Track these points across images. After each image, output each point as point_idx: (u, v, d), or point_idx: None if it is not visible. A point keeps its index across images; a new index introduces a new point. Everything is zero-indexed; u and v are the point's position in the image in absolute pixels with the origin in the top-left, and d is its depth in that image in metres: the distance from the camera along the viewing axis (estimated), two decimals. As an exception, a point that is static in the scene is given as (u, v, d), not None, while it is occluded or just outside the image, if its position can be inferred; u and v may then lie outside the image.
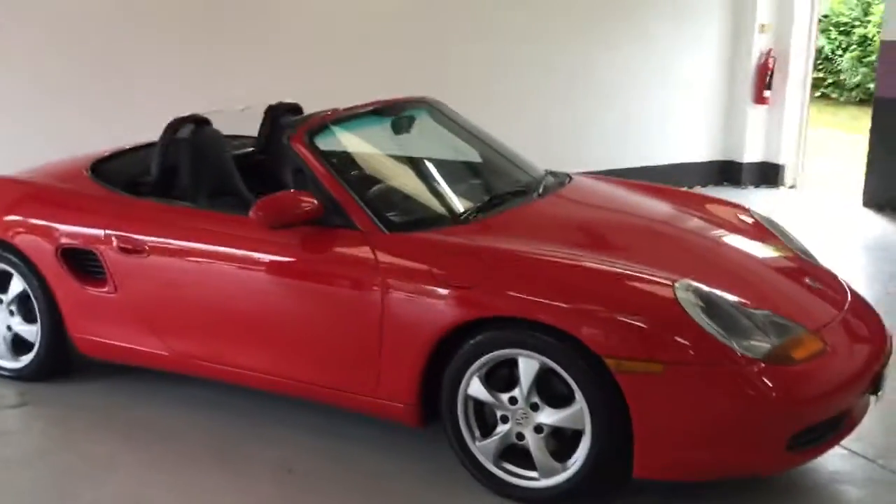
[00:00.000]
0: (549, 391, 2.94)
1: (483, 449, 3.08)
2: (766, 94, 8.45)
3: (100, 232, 3.65)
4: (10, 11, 5.71)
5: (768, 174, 8.73)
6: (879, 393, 3.06)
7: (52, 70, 5.84)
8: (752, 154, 8.69)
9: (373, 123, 3.90)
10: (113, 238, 3.61)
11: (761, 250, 3.56)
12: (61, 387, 3.97)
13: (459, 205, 3.53)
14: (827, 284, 3.38)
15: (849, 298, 3.30)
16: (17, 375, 4.02)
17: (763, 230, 3.78)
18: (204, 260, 3.46)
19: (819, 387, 2.84)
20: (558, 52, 7.78)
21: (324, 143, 3.44)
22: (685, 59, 8.36)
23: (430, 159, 3.92)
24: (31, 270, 3.83)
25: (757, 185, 8.74)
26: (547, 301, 2.87)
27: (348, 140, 3.70)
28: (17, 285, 3.92)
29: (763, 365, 2.76)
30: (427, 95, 4.41)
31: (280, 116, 4.31)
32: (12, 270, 3.90)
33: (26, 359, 3.99)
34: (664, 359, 2.76)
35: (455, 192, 3.65)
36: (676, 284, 2.88)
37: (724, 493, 3.06)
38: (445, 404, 3.10)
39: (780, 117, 8.55)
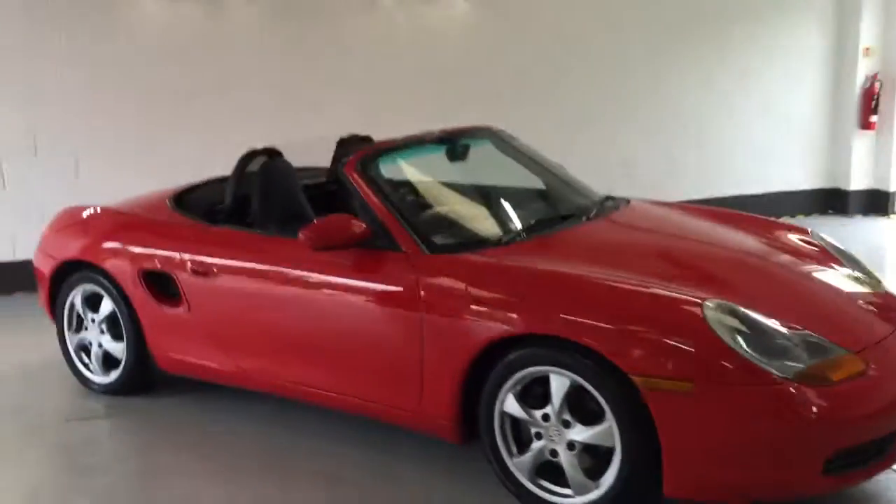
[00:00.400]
0: (582, 409, 2.97)
1: (519, 465, 3.13)
2: (873, 119, 8.13)
3: (175, 255, 3.94)
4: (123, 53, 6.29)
5: (877, 202, 8.35)
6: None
7: (160, 106, 6.41)
8: (859, 181, 8.35)
9: (428, 152, 4.05)
10: (186, 261, 3.89)
11: (816, 272, 3.48)
12: (143, 401, 4.27)
13: (504, 228, 3.63)
14: (883, 307, 3.26)
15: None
16: (106, 390, 4.36)
17: (823, 253, 3.69)
18: (262, 280, 3.69)
19: (857, 409, 2.76)
20: (653, 81, 7.80)
21: (375, 170, 3.62)
22: (785, 85, 8.17)
23: (482, 185, 4.05)
24: (118, 292, 4.17)
25: (865, 214, 8.37)
26: (575, 319, 2.91)
27: (400, 168, 3.88)
28: (107, 306, 4.26)
29: (795, 384, 2.71)
30: (491, 125, 4.56)
31: (350, 147, 4.53)
32: (103, 292, 4.25)
33: (114, 374, 4.32)
34: (692, 377, 2.75)
35: (502, 216, 3.76)
36: (706, 303, 2.87)
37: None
38: (483, 421, 3.18)
39: (890, 143, 8.20)
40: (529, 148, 4.51)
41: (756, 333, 2.82)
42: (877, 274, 3.70)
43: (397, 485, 3.39)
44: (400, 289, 3.30)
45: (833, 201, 8.51)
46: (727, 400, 2.73)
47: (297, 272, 3.56)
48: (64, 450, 3.86)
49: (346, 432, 3.76)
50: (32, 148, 6.29)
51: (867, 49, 8.06)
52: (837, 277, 3.45)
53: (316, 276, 3.50)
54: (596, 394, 2.89)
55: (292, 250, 3.54)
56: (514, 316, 3.03)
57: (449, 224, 3.66)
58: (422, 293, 3.23)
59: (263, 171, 4.13)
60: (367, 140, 4.63)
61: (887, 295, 3.43)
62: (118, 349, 4.28)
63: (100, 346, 4.35)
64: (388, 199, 3.50)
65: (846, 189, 8.38)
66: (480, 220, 3.73)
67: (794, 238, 3.82)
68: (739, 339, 2.77)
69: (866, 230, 7.82)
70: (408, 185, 3.89)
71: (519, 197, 4.09)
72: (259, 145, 4.36)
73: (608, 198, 4.16)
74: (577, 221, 3.74)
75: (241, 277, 3.76)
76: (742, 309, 2.89)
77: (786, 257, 3.56)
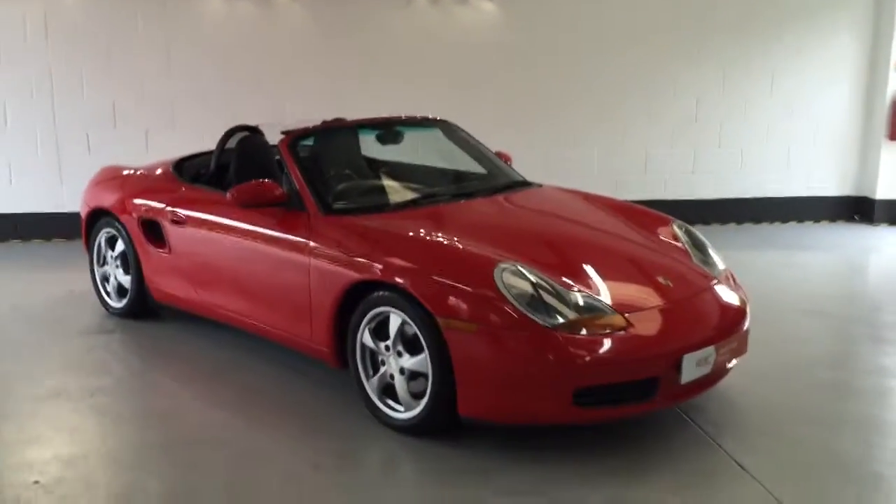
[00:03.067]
0: (411, 342, 3.74)
1: (371, 386, 3.94)
2: (901, 130, 8.25)
3: (161, 206, 4.98)
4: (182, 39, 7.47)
5: (903, 213, 8.47)
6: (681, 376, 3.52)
7: (212, 85, 7.55)
8: (885, 191, 8.49)
9: (364, 134, 4.91)
10: (168, 212, 4.93)
11: (640, 251, 4.11)
12: (144, 323, 5.37)
13: (396, 198, 4.46)
14: (681, 284, 3.86)
15: (694, 296, 3.78)
16: (119, 313, 5.48)
17: (670, 237, 4.29)
18: (212, 229, 4.66)
19: (602, 355, 3.39)
20: (674, 81, 8.26)
21: (300, 147, 4.51)
22: (813, 90, 8.41)
23: (401, 165, 4.87)
24: (127, 235, 5.26)
25: (891, 223, 8.48)
26: (399, 268, 3.70)
27: (328, 146, 4.76)
28: (120, 246, 5.37)
29: (552, 332, 3.39)
30: (445, 118, 5.35)
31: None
32: (117, 234, 5.36)
33: (125, 301, 5.43)
34: (476, 319, 3.47)
35: (402, 188, 4.56)
36: (500, 264, 3.58)
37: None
38: (349, 350, 4.01)
39: (918, 155, 8.29)
40: (474, 139, 5.26)
41: (535, 290, 3.50)
42: (719, 265, 4.25)
43: (294, 395, 4.29)
44: (299, 240, 4.17)
45: (859, 209, 8.67)
46: (500, 340, 3.44)
47: (232, 223, 4.51)
48: (75, 350, 4.98)
49: (271, 354, 4.70)
50: (112, 121, 7.59)
51: (898, 62, 8.18)
52: (659, 257, 4.06)
53: (243, 226, 4.44)
54: (416, 330, 3.66)
55: (230, 206, 4.47)
56: (364, 264, 3.84)
57: (350, 192, 4.52)
58: (311, 244, 4.10)
59: (240, 143, 5.09)
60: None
61: (702, 276, 4.00)
62: (127, 281, 5.38)
63: (115, 277, 5.47)
64: (304, 170, 4.37)
65: (872, 198, 8.52)
66: (378, 191, 4.58)
67: (649, 223, 4.44)
68: (515, 293, 3.47)
69: (891, 239, 7.97)
70: (328, 161, 4.75)
71: (434, 175, 4.89)
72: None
73: (520, 182, 4.88)
74: (469, 197, 4.52)
75: (200, 226, 4.75)
76: (526, 271, 3.56)
77: (622, 239, 4.20)
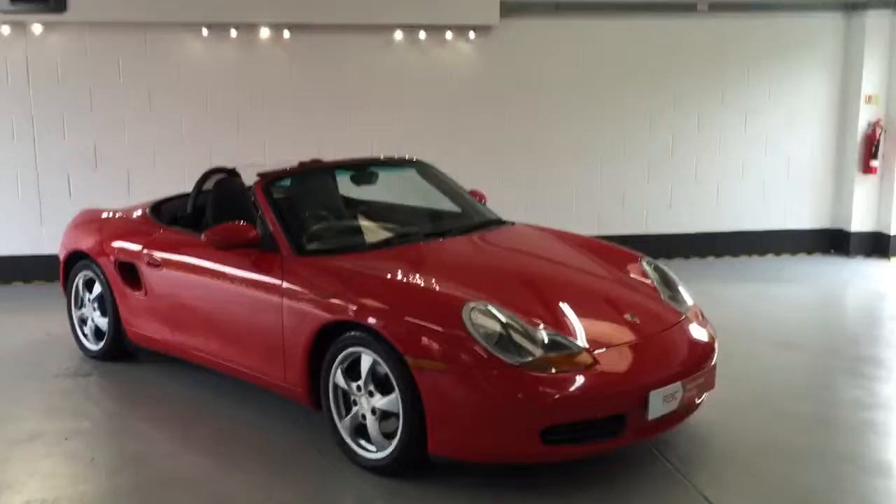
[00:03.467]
0: (382, 382, 3.77)
1: (344, 426, 3.96)
2: (874, 163, 8.40)
3: (138, 249, 5.02)
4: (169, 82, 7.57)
5: (879, 245, 8.58)
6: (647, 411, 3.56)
7: (193, 125, 7.63)
8: (860, 223, 8.62)
9: (339, 175, 4.98)
10: (144, 255, 4.97)
11: (609, 288, 4.18)
12: (121, 366, 5.38)
13: (369, 238, 4.52)
14: (649, 321, 3.91)
15: (662, 333, 3.83)
16: (96, 356, 5.49)
17: (639, 274, 4.35)
18: (187, 271, 4.70)
19: (569, 393, 3.43)
20: (650, 118, 8.39)
21: (273, 190, 4.57)
22: (786, 126, 8.55)
23: (374, 204, 4.94)
24: (104, 277, 5.29)
25: (867, 255, 8.60)
26: (368, 309, 3.74)
27: (303, 187, 4.83)
28: (97, 288, 5.40)
29: (519, 370, 3.43)
30: (420, 158, 5.44)
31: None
32: (94, 277, 5.39)
33: (101, 343, 5.44)
34: (445, 359, 3.51)
35: (376, 229, 4.63)
36: (468, 303, 3.62)
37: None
38: (322, 391, 4.04)
39: (891, 188, 8.45)
40: (449, 179, 5.34)
41: (503, 329, 3.54)
42: (688, 301, 4.32)
43: (267, 436, 4.30)
44: (272, 281, 4.21)
45: (835, 242, 8.78)
46: (469, 379, 3.48)
47: (207, 264, 4.55)
48: (51, 393, 4.98)
49: (246, 395, 4.71)
50: (94, 163, 7.65)
51: (869, 97, 8.35)
52: (629, 294, 4.12)
53: (218, 268, 4.48)
54: (386, 369, 3.70)
55: (206, 248, 4.52)
56: (335, 305, 3.89)
57: (324, 233, 4.58)
58: (283, 285, 4.14)
59: (217, 185, 5.15)
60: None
61: (670, 313, 4.06)
62: (104, 323, 5.39)
63: (92, 320, 5.48)
64: (278, 212, 4.43)
65: (848, 230, 8.64)
66: (352, 232, 4.65)
67: (619, 259, 4.51)
68: (483, 332, 3.51)
69: (866, 272, 8.06)
70: (303, 203, 4.82)
71: (409, 215, 4.96)
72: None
73: (494, 221, 4.95)
74: (441, 236, 4.59)
75: (175, 268, 4.79)
76: (494, 309, 3.61)
77: (591, 276, 4.26)
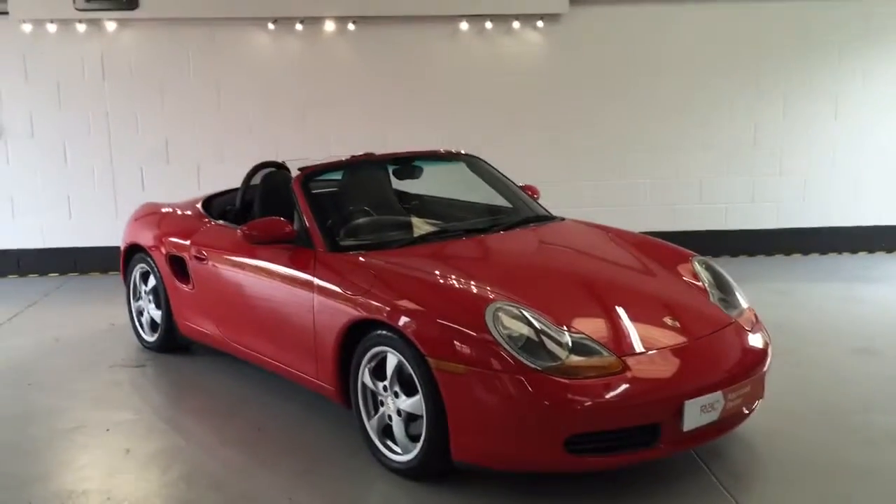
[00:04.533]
0: (408, 383, 3.65)
1: (371, 426, 3.86)
2: (979, 154, 7.74)
3: (186, 243, 5.05)
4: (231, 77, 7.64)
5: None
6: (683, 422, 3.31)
7: (259, 118, 7.68)
8: (958, 220, 7.97)
9: (378, 170, 4.88)
10: (192, 249, 4.99)
11: (648, 287, 3.94)
12: (175, 358, 5.44)
13: (404, 234, 4.38)
14: (690, 325, 3.65)
15: (703, 338, 3.57)
16: (151, 347, 5.57)
17: (690, 276, 4.08)
18: (229, 266, 4.69)
19: (596, 400, 3.22)
20: (732, 107, 7.99)
21: (312, 184, 4.50)
22: (881, 117, 8.00)
23: (427, 200, 4.82)
24: (157, 270, 5.35)
25: (968, 254, 7.97)
26: (393, 308, 3.61)
27: (352, 182, 4.76)
28: (152, 281, 5.47)
29: (543, 375, 3.24)
30: (470, 152, 5.29)
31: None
32: (150, 270, 5.46)
33: (156, 335, 5.52)
34: (466, 361, 3.35)
35: (414, 225, 4.49)
36: (493, 303, 3.45)
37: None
38: (352, 390, 3.95)
39: None
40: (499, 172, 5.17)
41: (528, 331, 3.36)
42: (742, 304, 4.02)
43: (300, 435, 4.24)
44: (305, 276, 4.15)
45: (934, 239, 8.17)
46: (490, 383, 3.30)
47: (247, 260, 4.52)
48: (103, 383, 5.06)
49: (288, 391, 4.67)
50: (165, 157, 7.80)
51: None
52: (670, 296, 3.86)
53: (256, 263, 4.45)
54: (411, 371, 3.57)
55: (245, 243, 4.49)
56: (362, 302, 3.78)
57: (362, 229, 4.47)
58: (315, 281, 4.07)
59: (264, 179, 5.13)
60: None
61: (715, 317, 3.78)
62: (158, 316, 5.46)
63: (148, 312, 5.56)
64: (314, 208, 4.36)
65: (947, 227, 8.02)
66: (390, 228, 4.51)
67: (672, 262, 4.22)
68: (506, 333, 3.33)
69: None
70: (341, 197, 4.72)
71: (454, 210, 4.81)
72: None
73: (541, 216, 4.76)
74: (480, 233, 4.43)
75: (219, 263, 4.78)
76: (519, 310, 3.43)
77: (634, 277, 4.02)
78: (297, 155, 7.31)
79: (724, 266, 4.92)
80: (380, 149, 5.36)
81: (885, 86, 7.94)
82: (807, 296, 6.74)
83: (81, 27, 7.50)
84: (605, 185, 8.00)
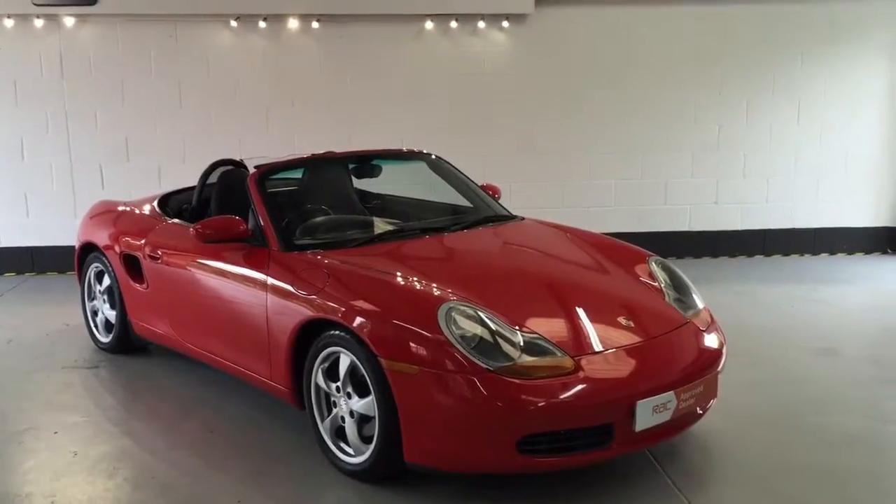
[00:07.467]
0: (361, 384, 3.59)
1: (325, 428, 3.80)
2: (938, 158, 7.84)
3: (140, 242, 4.96)
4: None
5: (942, 245, 8.02)
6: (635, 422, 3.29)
7: (222, 117, 7.58)
8: (921, 222, 8.05)
9: (336, 168, 4.82)
10: (145, 248, 4.90)
11: (604, 287, 3.93)
12: (127, 359, 5.34)
13: (359, 234, 4.33)
14: (644, 325, 3.64)
15: (657, 338, 3.56)
16: (105, 348, 5.46)
17: (645, 275, 4.06)
18: (182, 265, 4.61)
19: (549, 401, 3.18)
20: (699, 108, 8.01)
21: (267, 183, 4.42)
22: (844, 120, 8.07)
23: (387, 199, 4.77)
24: (112, 270, 5.25)
25: (927, 256, 8.05)
26: (345, 308, 3.56)
27: (312, 180, 4.71)
28: (106, 280, 5.36)
29: (494, 375, 3.20)
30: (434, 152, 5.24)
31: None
32: (104, 269, 5.35)
33: (110, 336, 5.41)
34: (418, 361, 3.31)
35: (371, 224, 4.44)
36: (445, 303, 3.41)
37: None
38: (305, 391, 3.88)
39: (957, 184, 7.86)
40: (459, 172, 5.13)
41: (480, 331, 3.32)
42: (698, 304, 4.01)
43: (253, 436, 4.17)
44: (258, 276, 4.08)
45: (893, 241, 8.23)
46: (442, 383, 3.25)
47: (200, 259, 4.45)
48: (54, 385, 4.95)
49: (242, 392, 4.60)
50: (125, 155, 7.68)
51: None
52: (625, 296, 3.85)
53: (209, 263, 4.37)
54: (363, 371, 3.52)
55: (198, 241, 4.41)
56: (314, 302, 3.72)
57: (318, 228, 4.40)
58: (269, 280, 4.00)
59: (221, 177, 5.04)
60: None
61: (668, 318, 3.77)
62: (113, 316, 5.36)
63: (102, 312, 5.46)
64: (269, 206, 4.29)
65: (906, 229, 8.11)
66: (344, 227, 4.46)
67: (629, 262, 4.20)
68: (458, 333, 3.29)
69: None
70: (296, 196, 4.66)
71: (416, 209, 4.77)
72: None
73: (500, 216, 4.72)
74: (437, 232, 4.39)
75: (172, 262, 4.70)
76: (472, 310, 3.39)
77: (589, 276, 4.00)
78: (260, 154, 7.26)
79: (687, 268, 4.92)
80: (344, 148, 5.33)
81: (847, 89, 8.01)
82: (768, 297, 6.77)
83: (39, 22, 7.36)
84: (571, 186, 7.99)
